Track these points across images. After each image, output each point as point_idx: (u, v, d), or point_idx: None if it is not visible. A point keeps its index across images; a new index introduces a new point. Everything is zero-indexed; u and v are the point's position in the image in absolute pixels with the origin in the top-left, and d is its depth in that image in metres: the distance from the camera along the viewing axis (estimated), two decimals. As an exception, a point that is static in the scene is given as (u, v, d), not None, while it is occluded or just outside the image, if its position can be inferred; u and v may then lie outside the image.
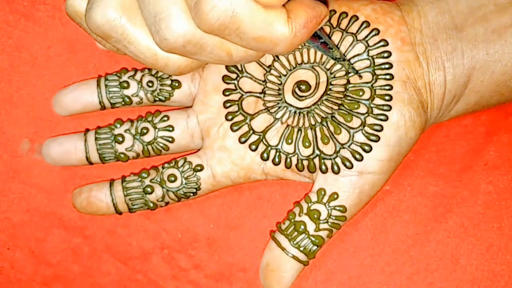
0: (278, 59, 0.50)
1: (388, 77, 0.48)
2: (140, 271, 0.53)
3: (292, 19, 0.40)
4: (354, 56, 0.49)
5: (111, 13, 0.41)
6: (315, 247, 0.49)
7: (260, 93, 0.50)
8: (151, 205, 0.51)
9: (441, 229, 0.52)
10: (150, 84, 0.52)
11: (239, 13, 0.38)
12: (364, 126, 0.48)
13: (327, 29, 0.49)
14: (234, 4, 0.38)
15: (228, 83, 0.50)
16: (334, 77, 0.49)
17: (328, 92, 0.49)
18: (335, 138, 0.48)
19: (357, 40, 0.49)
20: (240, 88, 0.50)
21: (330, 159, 0.48)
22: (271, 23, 0.39)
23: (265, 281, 0.50)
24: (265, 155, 0.49)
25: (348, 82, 0.49)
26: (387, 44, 0.48)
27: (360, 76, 0.49)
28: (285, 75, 0.50)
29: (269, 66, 0.50)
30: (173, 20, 0.40)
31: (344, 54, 0.49)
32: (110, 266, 0.53)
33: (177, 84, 0.52)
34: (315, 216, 0.48)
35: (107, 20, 0.41)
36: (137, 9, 0.42)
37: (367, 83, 0.48)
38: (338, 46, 0.49)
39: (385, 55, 0.48)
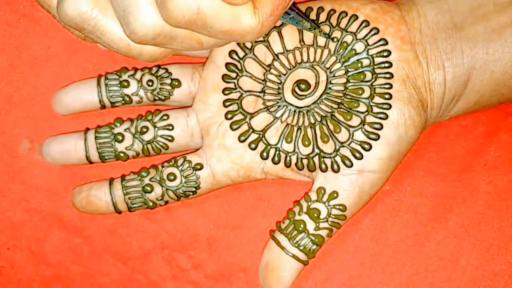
0: (278, 58, 0.50)
1: (387, 75, 0.48)
2: (140, 271, 0.53)
3: (259, 9, 0.40)
4: (353, 55, 0.49)
5: (83, 5, 0.41)
6: (315, 246, 0.48)
7: (260, 92, 0.50)
8: (151, 204, 0.51)
9: (441, 229, 0.52)
10: (150, 83, 0.52)
11: (204, 9, 0.38)
12: (364, 125, 0.48)
13: (327, 29, 0.49)
14: (199, 0, 0.38)
15: (227, 82, 0.50)
16: (334, 76, 0.49)
17: (328, 91, 0.49)
18: (335, 136, 0.48)
19: (356, 39, 0.49)
20: (240, 87, 0.50)
21: (330, 157, 0.48)
22: (237, 16, 0.39)
23: (265, 281, 0.50)
24: (264, 154, 0.49)
25: (348, 81, 0.49)
26: (386, 43, 0.48)
27: (332, 39, 0.49)
28: (284, 74, 0.50)
29: (269, 65, 0.50)
30: (141, 13, 0.40)
31: (314, 22, 0.49)
32: (110, 266, 0.53)
33: (177, 83, 0.52)
34: (315, 215, 0.48)
35: (79, 13, 0.41)
36: (108, 0, 0.42)
37: (366, 81, 0.48)
38: (339, 47, 0.49)
39: (385, 54, 0.48)
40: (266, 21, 0.40)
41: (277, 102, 0.50)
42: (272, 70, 0.50)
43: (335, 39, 0.49)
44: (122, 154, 0.51)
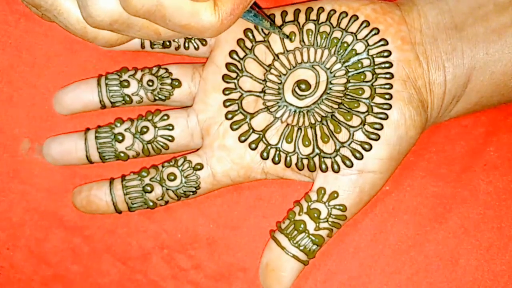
0: (278, 58, 0.50)
1: (388, 76, 0.48)
2: (140, 271, 0.53)
3: (219, 6, 0.39)
4: (354, 55, 0.49)
5: None
6: (315, 247, 0.48)
7: (260, 92, 0.50)
8: (151, 204, 0.51)
9: (441, 229, 0.52)
10: (150, 83, 0.52)
11: (164, 1, 0.38)
12: (364, 125, 0.48)
13: (327, 29, 0.49)
14: None
15: (228, 82, 0.51)
16: (334, 76, 0.49)
17: (328, 91, 0.49)
18: (335, 136, 0.48)
19: (357, 39, 0.49)
20: (240, 87, 0.50)
21: (330, 157, 0.48)
22: (197, 12, 0.39)
23: (265, 281, 0.50)
24: (264, 154, 0.49)
25: (348, 81, 0.49)
26: (387, 43, 0.48)
27: (291, 40, 0.50)
28: (285, 75, 0.50)
29: (269, 66, 0.50)
30: None
31: (273, 21, 0.50)
32: (110, 266, 0.53)
33: (177, 83, 0.52)
34: (315, 215, 0.48)
35: None
36: None
37: (367, 82, 0.48)
38: (338, 45, 0.49)
39: (385, 54, 0.48)
40: (226, 19, 0.40)
41: (278, 102, 0.50)
42: (273, 70, 0.50)
43: (293, 39, 0.50)
44: (122, 154, 0.51)
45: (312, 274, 0.52)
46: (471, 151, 0.53)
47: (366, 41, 0.49)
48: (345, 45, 0.49)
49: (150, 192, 0.50)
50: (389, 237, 0.52)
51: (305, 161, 0.49)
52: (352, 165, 0.48)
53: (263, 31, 0.50)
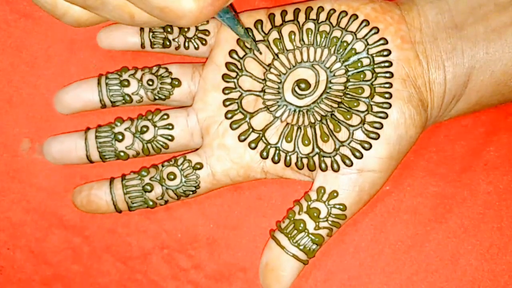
0: (278, 57, 0.50)
1: (387, 75, 0.48)
2: (140, 271, 0.53)
3: None
4: (353, 55, 0.49)
5: None
6: (314, 246, 0.48)
7: (260, 91, 0.50)
8: (151, 203, 0.51)
9: (441, 229, 0.52)
10: (150, 83, 0.52)
11: None
12: (363, 124, 0.48)
13: (327, 28, 0.49)
14: None
15: (227, 82, 0.51)
16: (334, 75, 0.49)
17: (328, 91, 0.49)
18: (335, 136, 0.48)
19: (356, 38, 0.49)
20: (240, 87, 0.50)
21: (330, 157, 0.48)
22: None
23: (265, 281, 0.50)
24: (264, 153, 0.49)
25: (348, 80, 0.49)
26: (386, 42, 0.48)
27: (260, 53, 0.50)
28: (285, 74, 0.50)
29: (269, 65, 0.50)
30: None
31: (247, 30, 0.50)
32: (110, 266, 0.53)
33: (177, 83, 0.52)
34: (315, 214, 0.48)
35: None
36: None
37: (366, 81, 0.48)
38: (338, 44, 0.49)
39: (385, 53, 0.48)
40: (205, 8, 0.39)
41: (277, 102, 0.50)
42: (272, 70, 0.50)
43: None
44: (122, 154, 0.51)
45: (312, 274, 0.52)
46: (471, 151, 0.53)
47: (366, 40, 0.49)
48: (345, 44, 0.49)
49: (150, 191, 0.50)
50: (389, 237, 0.52)
51: (305, 160, 0.49)
52: (351, 164, 0.48)
53: (262, 31, 0.50)
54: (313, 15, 0.50)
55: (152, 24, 0.41)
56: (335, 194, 0.48)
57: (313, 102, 0.49)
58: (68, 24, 0.42)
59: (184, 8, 0.38)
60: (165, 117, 0.51)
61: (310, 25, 0.50)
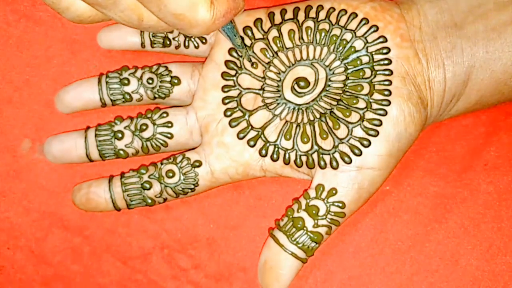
0: (277, 56, 0.50)
1: (387, 72, 0.48)
2: (140, 271, 0.53)
3: (215, 5, 0.39)
4: (353, 53, 0.49)
5: None
6: (313, 244, 0.48)
7: (259, 89, 0.50)
8: (149, 201, 0.51)
9: (441, 229, 0.52)
10: (150, 81, 0.52)
11: None
12: (363, 121, 0.48)
13: (327, 26, 0.50)
14: None
15: (227, 80, 0.51)
16: (333, 73, 0.49)
17: (327, 88, 0.49)
18: (334, 133, 0.48)
19: (356, 36, 0.49)
20: (239, 85, 0.51)
21: (329, 154, 0.48)
22: (195, 4, 0.39)
23: (263, 279, 0.49)
24: (263, 151, 0.49)
25: (347, 78, 0.49)
26: (386, 40, 0.48)
27: (252, 64, 0.50)
28: (284, 72, 0.50)
29: (268, 63, 0.50)
30: None
31: (243, 42, 0.50)
32: (110, 266, 0.53)
33: (176, 81, 0.52)
34: (314, 212, 0.48)
35: None
36: None
37: (366, 78, 0.48)
38: (337, 42, 0.49)
39: (384, 51, 0.48)
40: (218, 19, 0.40)
41: (276, 100, 0.50)
42: (272, 68, 0.50)
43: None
44: (121, 152, 0.52)
45: (312, 274, 0.52)
46: (471, 151, 0.53)
47: (365, 38, 0.49)
48: (344, 42, 0.49)
49: (149, 189, 0.50)
50: (389, 237, 0.52)
51: (304, 158, 0.49)
52: (350, 162, 0.48)
53: (262, 29, 0.51)
54: (312, 14, 0.50)
55: (157, 29, 0.42)
56: (334, 191, 0.48)
57: (313, 100, 0.49)
58: (69, 19, 0.42)
59: (199, 17, 0.39)
60: (164, 115, 0.51)
61: (310, 23, 0.50)
